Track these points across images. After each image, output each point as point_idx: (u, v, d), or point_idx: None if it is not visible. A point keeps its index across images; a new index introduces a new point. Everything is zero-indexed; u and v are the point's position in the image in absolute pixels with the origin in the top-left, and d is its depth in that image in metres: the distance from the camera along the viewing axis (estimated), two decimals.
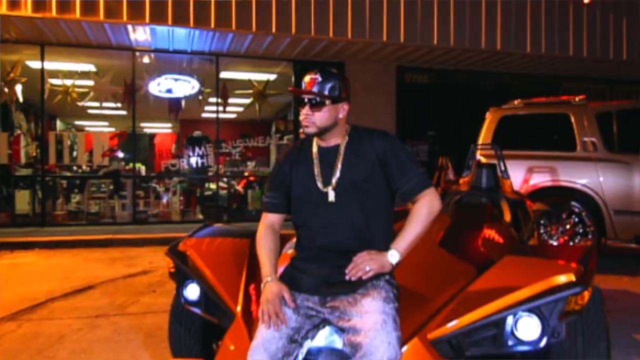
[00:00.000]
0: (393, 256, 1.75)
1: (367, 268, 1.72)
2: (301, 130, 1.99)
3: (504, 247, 2.52)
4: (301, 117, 1.83)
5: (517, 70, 9.89)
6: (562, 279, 1.69)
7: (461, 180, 4.08)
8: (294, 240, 2.05)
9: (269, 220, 1.99)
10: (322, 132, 1.84)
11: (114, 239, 7.12)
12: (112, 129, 15.23)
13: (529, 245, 2.35)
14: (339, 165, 1.85)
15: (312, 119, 1.80)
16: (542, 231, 4.86)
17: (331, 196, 1.83)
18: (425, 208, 1.81)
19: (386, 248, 1.78)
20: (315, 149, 1.92)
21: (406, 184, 1.82)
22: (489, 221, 2.77)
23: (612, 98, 10.71)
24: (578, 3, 8.60)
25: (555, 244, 4.95)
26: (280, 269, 1.93)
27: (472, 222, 2.76)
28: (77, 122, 15.72)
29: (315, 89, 1.79)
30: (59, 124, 14.27)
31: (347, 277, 1.74)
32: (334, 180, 1.84)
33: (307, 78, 1.83)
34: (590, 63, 9.25)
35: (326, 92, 1.80)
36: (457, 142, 10.08)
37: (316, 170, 1.87)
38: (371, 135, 1.88)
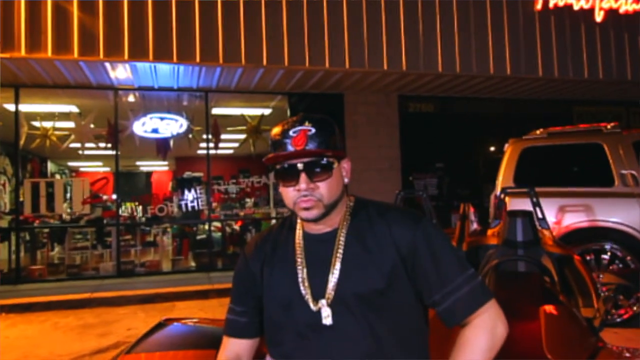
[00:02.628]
0: None
1: None
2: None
3: (576, 346, 1.79)
4: (292, 198, 1.19)
5: (527, 95, 9.27)
6: None
7: (489, 232, 3.36)
8: None
9: (232, 350, 1.27)
10: (328, 213, 1.20)
11: (91, 298, 6.36)
12: (107, 169, 14.63)
13: (621, 356, 1.61)
14: (337, 265, 1.18)
15: (316, 196, 1.17)
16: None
17: (326, 317, 1.16)
18: (484, 337, 1.10)
19: None
20: (299, 238, 1.25)
21: (449, 298, 1.14)
22: (544, 302, 2.04)
23: (630, 121, 10.07)
24: (590, 22, 8.04)
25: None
26: None
27: (522, 305, 2.03)
28: (70, 164, 15.16)
29: (312, 146, 1.17)
30: (50, 166, 13.70)
31: None
32: (329, 291, 1.16)
33: (288, 132, 1.19)
34: (604, 85, 8.63)
35: (329, 148, 1.19)
36: (468, 173, 9.53)
37: (301, 273, 1.20)
38: (387, 218, 1.21)
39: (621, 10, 8.17)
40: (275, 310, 1.22)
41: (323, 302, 1.17)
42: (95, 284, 7.20)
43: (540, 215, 3.27)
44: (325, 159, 1.17)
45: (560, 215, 4.70)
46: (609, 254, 4.59)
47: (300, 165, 1.17)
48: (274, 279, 1.24)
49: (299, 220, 1.28)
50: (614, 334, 4.29)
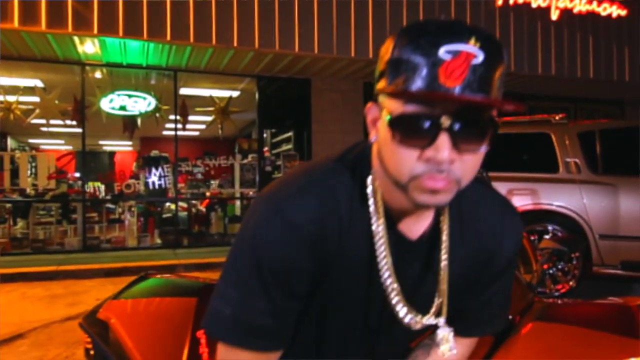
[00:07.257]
0: None
1: None
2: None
3: (514, 300, 2.10)
4: (413, 168, 0.71)
5: None
6: None
7: None
8: None
9: None
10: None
11: (58, 270, 6.41)
12: (70, 147, 14.37)
13: (553, 304, 1.91)
14: (445, 276, 0.85)
15: (455, 174, 0.71)
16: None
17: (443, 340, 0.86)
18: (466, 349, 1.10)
19: None
20: (380, 227, 0.81)
21: (481, 316, 1.05)
22: None
23: (577, 116, 10.70)
24: (546, 21, 8.51)
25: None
26: None
27: None
28: (31, 141, 14.85)
29: (475, 87, 0.66)
30: (10, 143, 13.41)
31: None
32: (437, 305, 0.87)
33: (439, 46, 0.66)
34: (556, 81, 9.17)
35: (499, 92, 0.71)
36: None
37: (389, 282, 0.82)
38: (501, 220, 0.93)
39: (575, 10, 8.68)
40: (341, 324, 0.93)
41: (441, 320, 0.84)
42: (60, 258, 7.22)
43: None
44: (489, 116, 0.69)
45: (508, 197, 5.08)
46: (550, 234, 5.03)
47: (446, 122, 0.67)
48: (342, 282, 0.86)
49: (379, 199, 0.81)
50: None
